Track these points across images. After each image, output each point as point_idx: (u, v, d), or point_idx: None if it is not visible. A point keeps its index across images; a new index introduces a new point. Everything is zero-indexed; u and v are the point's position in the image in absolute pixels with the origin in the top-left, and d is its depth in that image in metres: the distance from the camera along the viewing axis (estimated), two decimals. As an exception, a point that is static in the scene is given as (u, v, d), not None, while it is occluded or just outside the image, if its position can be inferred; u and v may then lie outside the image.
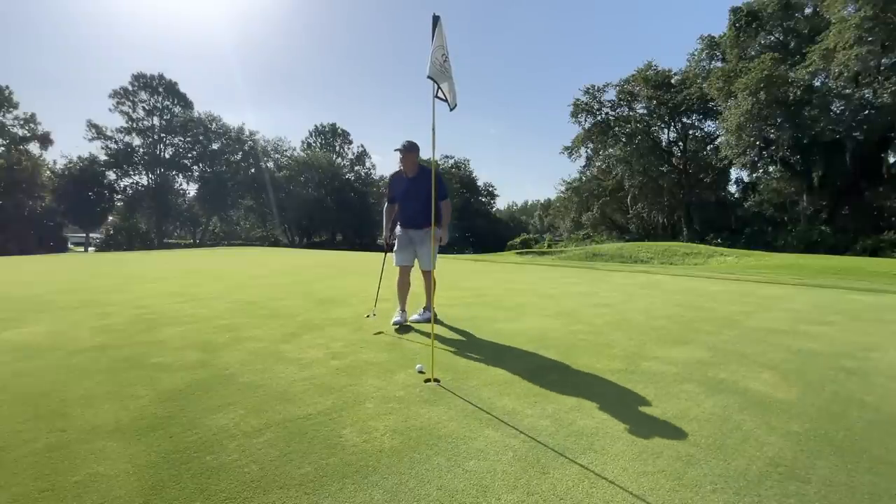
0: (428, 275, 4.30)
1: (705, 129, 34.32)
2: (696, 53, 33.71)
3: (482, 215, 54.97)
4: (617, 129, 35.17)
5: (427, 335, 3.73)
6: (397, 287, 4.36)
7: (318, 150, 56.30)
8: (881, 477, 1.83)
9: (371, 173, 58.11)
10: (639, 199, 34.24)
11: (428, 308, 4.32)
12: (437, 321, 4.26)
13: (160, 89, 46.63)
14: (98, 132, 44.70)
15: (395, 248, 4.39)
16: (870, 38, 20.95)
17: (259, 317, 4.87)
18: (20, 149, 40.24)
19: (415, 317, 4.43)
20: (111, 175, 45.86)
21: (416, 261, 4.37)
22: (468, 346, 3.76)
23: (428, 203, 3.69)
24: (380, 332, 4.07)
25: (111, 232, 46.13)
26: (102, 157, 45.01)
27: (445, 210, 4.09)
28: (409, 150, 4.04)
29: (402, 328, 4.26)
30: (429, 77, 2.83)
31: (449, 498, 1.64)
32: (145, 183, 47.57)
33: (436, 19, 2.89)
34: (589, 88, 34.79)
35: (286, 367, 3.13)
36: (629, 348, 3.71)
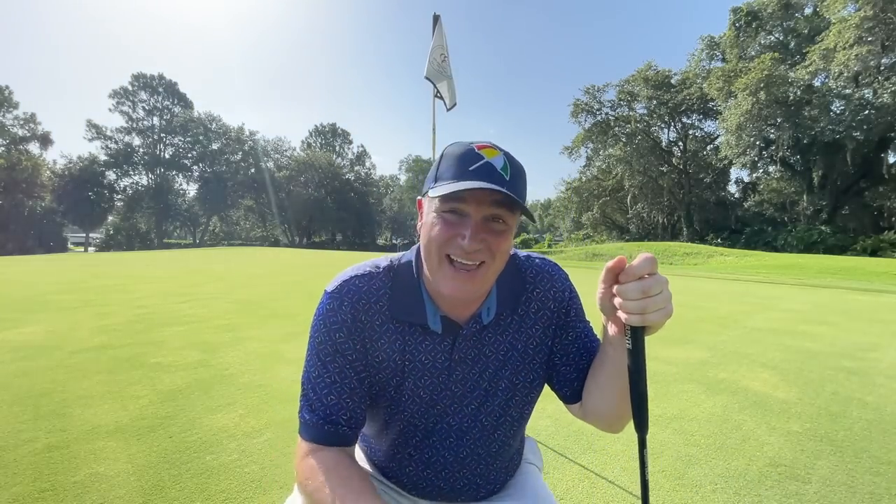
0: None
1: (705, 129, 34.38)
2: (696, 53, 33.80)
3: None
4: (617, 129, 35.17)
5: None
6: None
7: (318, 150, 56.33)
8: (881, 477, 1.83)
9: (371, 173, 58.25)
10: (639, 199, 34.25)
11: None
12: None
13: (160, 89, 46.67)
14: (98, 132, 44.73)
15: None
16: (870, 38, 20.97)
17: (259, 317, 4.87)
18: (20, 149, 40.23)
19: None
20: (111, 175, 45.87)
21: None
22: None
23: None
24: None
25: (111, 232, 46.12)
26: (102, 157, 45.03)
27: None
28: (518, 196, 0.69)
29: None
30: (426, 78, 2.83)
31: (449, 498, 1.63)
32: (145, 183, 47.58)
33: (436, 18, 2.89)
34: (589, 88, 34.82)
35: (286, 367, 3.13)
36: (629, 348, 3.70)
